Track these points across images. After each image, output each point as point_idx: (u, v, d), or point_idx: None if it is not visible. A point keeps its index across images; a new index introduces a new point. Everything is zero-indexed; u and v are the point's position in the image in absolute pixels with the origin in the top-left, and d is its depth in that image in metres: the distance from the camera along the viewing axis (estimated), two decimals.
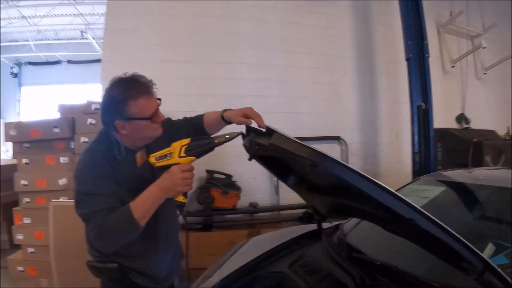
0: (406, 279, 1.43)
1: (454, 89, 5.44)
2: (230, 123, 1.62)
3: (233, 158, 3.90)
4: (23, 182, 3.30)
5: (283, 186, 4.05)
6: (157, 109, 1.47)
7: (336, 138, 4.47)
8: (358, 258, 1.68)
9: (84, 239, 1.50)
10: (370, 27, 4.78)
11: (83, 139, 3.29)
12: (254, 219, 3.96)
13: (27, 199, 3.33)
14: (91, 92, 9.95)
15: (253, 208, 3.99)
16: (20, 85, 12.05)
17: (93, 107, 3.32)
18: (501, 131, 5.37)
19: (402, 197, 1.14)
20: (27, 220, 3.29)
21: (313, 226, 2.15)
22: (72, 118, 3.37)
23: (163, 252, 1.62)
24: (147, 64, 3.90)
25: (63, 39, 10.46)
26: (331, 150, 4.37)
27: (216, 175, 3.86)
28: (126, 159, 1.47)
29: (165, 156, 1.37)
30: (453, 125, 5.35)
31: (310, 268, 1.78)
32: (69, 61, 11.52)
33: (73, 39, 10.41)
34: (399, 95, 4.83)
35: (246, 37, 4.24)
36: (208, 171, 3.85)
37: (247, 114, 1.49)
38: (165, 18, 4.04)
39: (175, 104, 3.73)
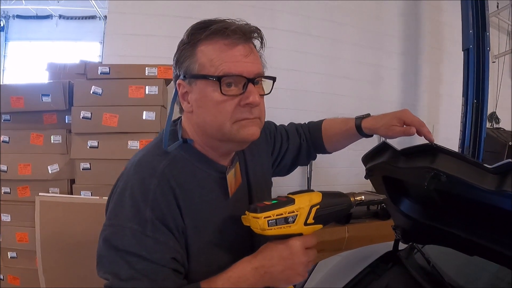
0: None
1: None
2: (369, 136, 1.00)
3: None
4: (1, 166, 2.35)
5: (315, 179, 3.30)
6: (253, 79, 0.74)
7: None
8: None
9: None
10: (419, 8, 3.97)
11: (84, 113, 2.21)
12: None
13: (6, 189, 2.37)
14: (83, 50, 8.81)
15: None
16: (6, 39, 10.58)
17: (100, 70, 2.22)
18: None
19: None
20: (5, 217, 2.36)
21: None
22: (68, 83, 2.27)
23: None
24: (162, 19, 2.98)
25: None
26: (369, 142, 3.58)
27: None
28: (205, 181, 0.78)
29: (285, 220, 0.69)
30: None
31: None
32: (60, 16, 10.16)
33: None
34: (439, 85, 4.13)
35: None
36: None
37: (405, 122, 0.90)
38: None
39: None
